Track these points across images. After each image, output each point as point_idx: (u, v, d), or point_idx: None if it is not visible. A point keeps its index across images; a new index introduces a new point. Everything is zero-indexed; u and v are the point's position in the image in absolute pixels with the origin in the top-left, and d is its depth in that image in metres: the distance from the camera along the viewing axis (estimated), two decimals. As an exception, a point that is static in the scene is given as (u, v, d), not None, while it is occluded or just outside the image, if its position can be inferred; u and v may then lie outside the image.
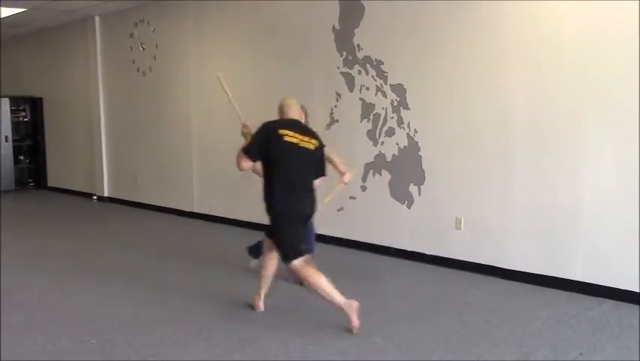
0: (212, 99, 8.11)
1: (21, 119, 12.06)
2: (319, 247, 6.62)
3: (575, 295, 4.91)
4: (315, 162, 4.42)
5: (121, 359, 3.79)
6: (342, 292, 4.14)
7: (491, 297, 4.96)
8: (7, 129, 11.69)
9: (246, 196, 7.47)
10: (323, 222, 6.86)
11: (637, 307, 4.59)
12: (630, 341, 4.00)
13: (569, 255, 5.02)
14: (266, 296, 4.63)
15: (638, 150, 4.57)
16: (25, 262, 6.26)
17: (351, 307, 4.08)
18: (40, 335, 4.15)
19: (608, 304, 4.69)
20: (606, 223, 4.80)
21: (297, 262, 4.20)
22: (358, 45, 6.33)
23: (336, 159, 4.95)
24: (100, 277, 5.60)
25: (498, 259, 5.44)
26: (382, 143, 6.21)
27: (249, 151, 4.29)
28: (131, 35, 9.41)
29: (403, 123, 6.01)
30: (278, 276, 4.71)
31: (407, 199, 6.01)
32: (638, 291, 4.65)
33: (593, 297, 4.82)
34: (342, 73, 6.51)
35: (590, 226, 4.88)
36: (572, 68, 4.88)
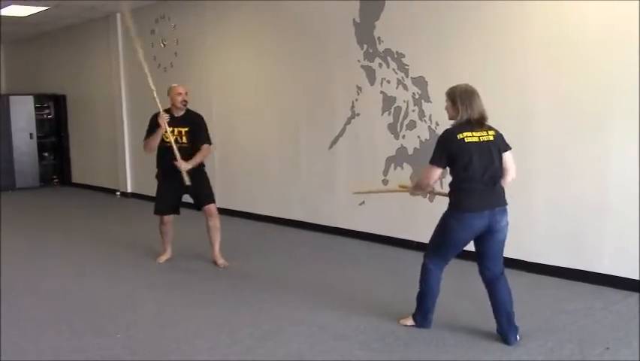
0: (233, 94, 8.13)
1: (45, 116, 12.20)
2: (340, 242, 6.65)
3: (600, 288, 4.84)
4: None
5: (144, 352, 3.82)
6: (361, 287, 4.08)
7: (515, 290, 4.88)
8: (31, 127, 11.84)
9: (266, 191, 7.51)
10: (344, 216, 6.89)
11: (665, 300, 4.53)
12: (658, 334, 3.94)
13: (594, 247, 4.96)
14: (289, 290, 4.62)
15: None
16: (50, 257, 6.34)
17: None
18: (65, 330, 4.20)
19: (635, 297, 4.62)
20: (633, 215, 4.72)
21: None
22: (379, 38, 6.30)
23: None
24: (124, 273, 5.66)
25: (522, 251, 5.38)
26: (404, 136, 6.18)
27: None
28: (153, 32, 9.46)
29: (425, 116, 5.97)
30: None
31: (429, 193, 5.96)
32: (665, 284, 4.59)
33: (619, 290, 4.75)
34: (362, 66, 6.48)
35: (617, 218, 4.81)
36: (597, 61, 4.80)
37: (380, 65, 6.32)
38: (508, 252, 5.42)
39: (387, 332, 4.03)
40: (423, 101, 5.96)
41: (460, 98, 3.86)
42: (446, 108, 3.98)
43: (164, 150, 5.62)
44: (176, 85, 5.82)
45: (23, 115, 11.78)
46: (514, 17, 5.27)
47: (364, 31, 6.42)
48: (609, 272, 4.88)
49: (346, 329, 4.11)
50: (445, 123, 5.89)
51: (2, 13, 9.27)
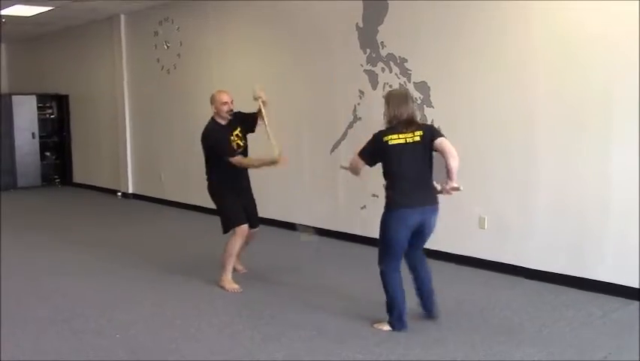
0: (235, 97, 8.14)
1: (47, 116, 12.23)
2: (341, 245, 6.66)
3: (600, 295, 4.84)
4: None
5: (144, 352, 3.83)
6: (362, 291, 4.09)
7: (515, 297, 4.91)
8: (33, 126, 11.89)
9: (270, 195, 7.50)
10: (345, 220, 6.89)
11: (664, 308, 4.53)
12: (657, 343, 3.94)
13: (595, 255, 4.95)
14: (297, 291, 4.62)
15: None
16: (50, 257, 6.35)
17: None
18: (65, 329, 4.21)
19: (635, 305, 4.62)
20: (633, 224, 4.71)
21: None
22: (382, 42, 6.31)
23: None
24: (124, 274, 5.66)
25: (522, 258, 5.39)
26: (406, 141, 6.18)
27: None
28: (156, 34, 9.48)
29: (427, 121, 5.96)
30: None
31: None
32: (665, 292, 4.59)
33: (619, 298, 4.75)
34: (365, 70, 6.49)
35: (617, 226, 4.81)
36: (599, 63, 4.80)
37: (383, 69, 6.33)
38: (510, 259, 5.48)
39: (387, 336, 4.03)
40: (425, 106, 5.97)
41: (391, 101, 4.15)
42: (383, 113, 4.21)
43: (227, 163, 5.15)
44: (220, 92, 5.37)
45: (26, 114, 11.81)
46: (517, 22, 5.27)
47: (367, 36, 6.44)
48: (609, 280, 4.88)
49: (346, 332, 4.11)
50: (448, 128, 5.94)
51: (7, 13, 9.29)
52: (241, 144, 5.27)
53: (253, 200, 5.43)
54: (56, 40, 12.06)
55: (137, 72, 10.15)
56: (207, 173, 5.41)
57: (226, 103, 5.20)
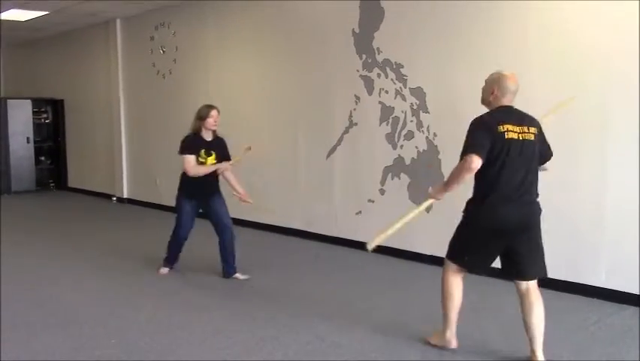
0: (231, 102, 8.15)
1: (42, 120, 12.21)
2: (338, 251, 6.66)
3: (595, 301, 4.86)
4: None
5: (139, 357, 3.82)
6: (359, 296, 4.10)
7: (511, 302, 4.91)
8: (28, 130, 11.86)
9: (264, 199, 7.51)
10: (342, 225, 6.90)
11: (659, 314, 4.55)
12: (652, 348, 3.96)
13: (590, 261, 4.97)
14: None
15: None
16: (45, 261, 6.33)
17: (449, 344, 3.84)
18: (60, 334, 4.19)
19: (629, 310, 4.63)
20: (629, 230, 4.73)
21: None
22: (378, 48, 6.33)
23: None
24: (120, 279, 5.65)
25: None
26: (401, 146, 6.20)
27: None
28: (152, 38, 9.49)
29: (423, 127, 5.99)
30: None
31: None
32: (660, 298, 4.61)
33: (613, 303, 4.77)
34: (361, 76, 6.51)
35: (613, 232, 4.83)
36: (596, 71, 4.83)
37: (379, 75, 6.35)
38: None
39: (384, 342, 4.03)
40: (421, 111, 5.99)
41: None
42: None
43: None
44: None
45: (21, 119, 11.79)
46: (513, 28, 5.30)
47: (363, 42, 6.46)
48: (604, 285, 4.90)
49: (343, 338, 4.11)
50: (444, 134, 5.96)
51: (1, 18, 9.28)
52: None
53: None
54: (52, 44, 12.05)
55: (132, 77, 10.15)
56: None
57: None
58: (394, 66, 6.19)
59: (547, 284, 5.16)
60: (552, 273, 5.18)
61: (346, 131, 6.73)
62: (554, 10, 5.02)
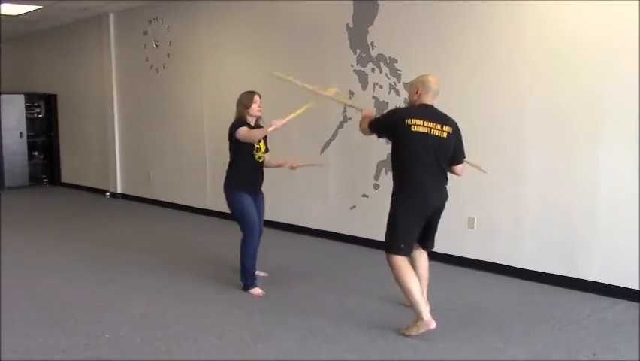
0: (225, 97, 8.13)
1: (35, 115, 12.16)
2: (332, 245, 6.67)
3: (588, 295, 4.89)
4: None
5: (134, 353, 3.82)
6: (352, 289, 4.12)
7: (504, 296, 4.95)
8: (21, 125, 11.81)
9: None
10: (336, 220, 6.91)
11: (651, 307, 4.58)
12: (644, 341, 3.98)
13: (583, 255, 5.00)
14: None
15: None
16: (38, 257, 6.32)
17: (428, 326, 3.94)
18: (54, 330, 4.19)
19: (622, 304, 4.66)
20: (621, 225, 4.76)
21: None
22: (372, 43, 6.33)
23: None
24: (114, 274, 5.64)
25: (511, 258, 5.43)
26: (395, 141, 6.19)
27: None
28: (145, 33, 9.45)
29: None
30: None
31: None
32: (652, 292, 4.64)
33: (606, 297, 4.80)
34: (355, 71, 6.51)
35: (606, 227, 4.85)
36: (590, 68, 4.85)
37: (373, 70, 6.35)
38: (499, 259, 5.51)
39: (377, 335, 4.04)
40: (415, 106, 5.98)
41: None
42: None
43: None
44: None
45: (13, 114, 11.73)
46: (508, 24, 5.31)
47: (357, 37, 6.45)
48: (597, 279, 4.93)
49: (336, 332, 4.12)
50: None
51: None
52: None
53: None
54: (45, 39, 12.00)
55: (126, 71, 10.12)
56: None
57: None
58: (388, 61, 6.19)
59: (539, 278, 5.22)
60: (545, 267, 5.25)
61: (340, 125, 6.73)
62: (550, 8, 5.02)
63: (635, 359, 3.72)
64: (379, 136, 4.41)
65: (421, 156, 4.00)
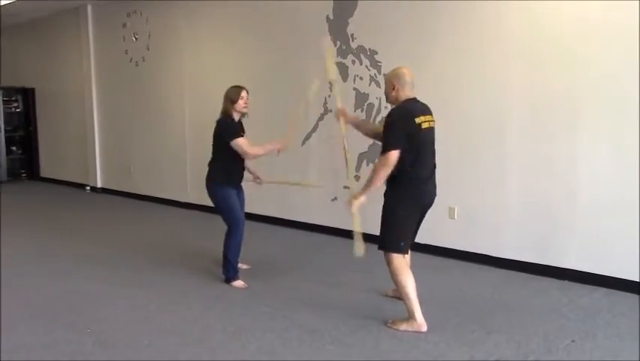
0: (205, 89, 8.10)
1: (13, 109, 12.01)
2: (312, 236, 6.69)
3: (567, 283, 4.96)
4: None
5: (116, 347, 3.81)
6: (335, 281, 4.13)
7: (485, 286, 5.00)
8: (-1, 120, 11.67)
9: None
10: (317, 212, 6.92)
11: (628, 294, 4.65)
12: (621, 328, 4.05)
13: (562, 244, 5.06)
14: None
15: (635, 139, 4.60)
16: (19, 253, 6.25)
17: (419, 328, 3.98)
18: (36, 326, 4.16)
19: (600, 291, 4.74)
20: (600, 213, 4.83)
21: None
22: (352, 35, 6.33)
23: None
24: (95, 270, 5.61)
25: (492, 248, 5.48)
26: (376, 133, 6.22)
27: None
28: (124, 25, 9.37)
29: (397, 113, 6.01)
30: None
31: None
32: (629, 279, 4.71)
33: (585, 285, 4.88)
34: (335, 63, 6.50)
35: (584, 215, 4.92)
36: (567, 56, 4.90)
37: (353, 61, 6.36)
38: (479, 249, 5.56)
39: (360, 327, 4.07)
40: (395, 98, 6.00)
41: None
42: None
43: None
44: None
45: (-10, 108, 11.59)
46: (490, 14, 5.34)
47: (338, 28, 6.45)
48: (576, 268, 5.00)
49: (319, 323, 4.14)
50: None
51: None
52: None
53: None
54: (22, 32, 11.84)
55: (104, 64, 10.02)
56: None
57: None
58: (369, 53, 6.20)
59: (519, 267, 5.28)
60: (524, 256, 5.31)
61: (321, 118, 6.73)
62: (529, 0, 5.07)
63: (612, 345, 3.78)
64: (405, 149, 3.90)
65: (424, 152, 3.97)
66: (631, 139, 4.61)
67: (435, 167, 4.13)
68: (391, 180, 4.00)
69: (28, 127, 12.10)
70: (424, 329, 3.94)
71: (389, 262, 4.02)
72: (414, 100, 4.05)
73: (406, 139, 3.86)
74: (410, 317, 3.99)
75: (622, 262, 4.74)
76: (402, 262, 4.01)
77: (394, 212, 4.00)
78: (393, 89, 4.07)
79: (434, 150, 4.09)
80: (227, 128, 4.93)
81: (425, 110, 4.03)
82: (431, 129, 4.02)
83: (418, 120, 3.90)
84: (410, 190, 3.98)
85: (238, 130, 4.96)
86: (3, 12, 10.08)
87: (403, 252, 4.03)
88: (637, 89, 4.55)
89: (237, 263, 5.07)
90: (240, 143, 4.87)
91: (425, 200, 4.06)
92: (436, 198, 4.18)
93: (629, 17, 4.53)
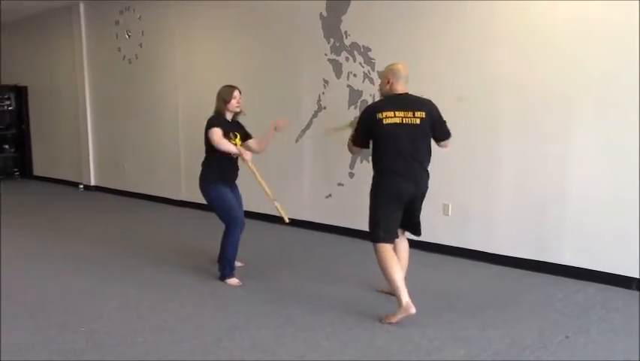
0: (199, 86, 8.08)
1: (6, 108, 11.97)
2: (306, 234, 6.68)
3: (561, 278, 4.97)
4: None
5: (109, 345, 3.79)
6: (329, 278, 4.14)
7: (479, 282, 5.01)
8: (-9, 118, 11.64)
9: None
10: (311, 209, 6.91)
11: (622, 290, 4.67)
12: (615, 323, 4.06)
13: (556, 240, 5.08)
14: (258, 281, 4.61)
15: (628, 138, 4.61)
16: (11, 251, 6.22)
17: (407, 310, 4.00)
18: (29, 324, 4.14)
19: (594, 287, 4.75)
20: (593, 208, 4.85)
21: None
22: (346, 32, 6.33)
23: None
24: (87, 266, 5.59)
25: (486, 244, 5.49)
26: (370, 130, 6.21)
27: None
28: (117, 23, 9.34)
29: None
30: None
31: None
32: (623, 274, 4.72)
33: (578, 280, 4.89)
34: (329, 60, 6.50)
35: (578, 210, 4.93)
36: (561, 55, 4.90)
37: (347, 58, 6.35)
38: (473, 245, 5.57)
39: (354, 323, 4.07)
40: (389, 95, 6.00)
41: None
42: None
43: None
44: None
45: (-18, 107, 11.55)
46: (483, 12, 5.34)
47: (331, 25, 6.45)
48: (569, 263, 5.01)
49: (313, 320, 4.14)
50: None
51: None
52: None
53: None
54: (14, 30, 11.78)
55: (97, 62, 9.99)
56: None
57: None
58: (362, 50, 6.20)
59: (514, 263, 5.30)
60: (519, 252, 5.32)
61: (315, 115, 6.73)
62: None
63: (606, 340, 3.79)
64: (366, 144, 4.27)
65: (394, 146, 4.08)
66: (624, 138, 4.63)
67: (424, 159, 4.20)
68: (373, 174, 4.24)
69: (21, 125, 12.05)
70: (413, 310, 3.98)
71: (375, 251, 4.14)
72: (399, 95, 4.17)
73: (370, 133, 4.16)
74: (399, 304, 4.02)
75: (616, 258, 4.76)
76: (385, 250, 4.09)
77: (371, 204, 4.20)
78: (388, 82, 4.22)
79: (420, 143, 4.13)
80: (209, 122, 4.95)
81: (407, 106, 4.11)
82: (407, 125, 4.06)
83: (380, 116, 4.06)
84: (381, 181, 4.15)
85: (217, 123, 4.91)
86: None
87: (387, 241, 4.13)
88: (630, 90, 4.55)
89: (234, 261, 5.06)
90: (214, 131, 4.86)
91: (398, 189, 4.10)
92: (431, 195, 4.18)
93: (625, 17, 4.54)
